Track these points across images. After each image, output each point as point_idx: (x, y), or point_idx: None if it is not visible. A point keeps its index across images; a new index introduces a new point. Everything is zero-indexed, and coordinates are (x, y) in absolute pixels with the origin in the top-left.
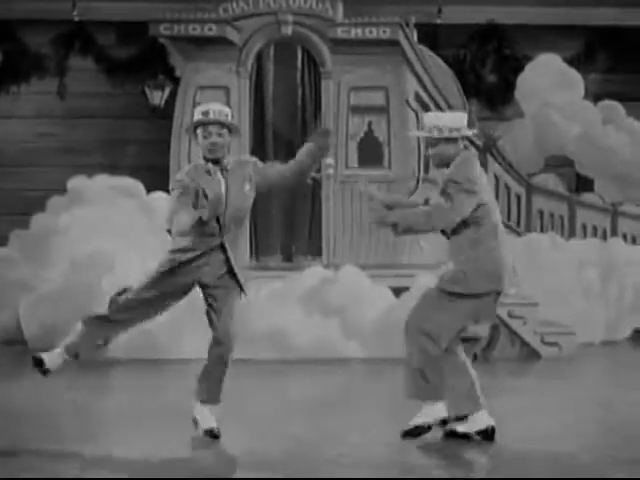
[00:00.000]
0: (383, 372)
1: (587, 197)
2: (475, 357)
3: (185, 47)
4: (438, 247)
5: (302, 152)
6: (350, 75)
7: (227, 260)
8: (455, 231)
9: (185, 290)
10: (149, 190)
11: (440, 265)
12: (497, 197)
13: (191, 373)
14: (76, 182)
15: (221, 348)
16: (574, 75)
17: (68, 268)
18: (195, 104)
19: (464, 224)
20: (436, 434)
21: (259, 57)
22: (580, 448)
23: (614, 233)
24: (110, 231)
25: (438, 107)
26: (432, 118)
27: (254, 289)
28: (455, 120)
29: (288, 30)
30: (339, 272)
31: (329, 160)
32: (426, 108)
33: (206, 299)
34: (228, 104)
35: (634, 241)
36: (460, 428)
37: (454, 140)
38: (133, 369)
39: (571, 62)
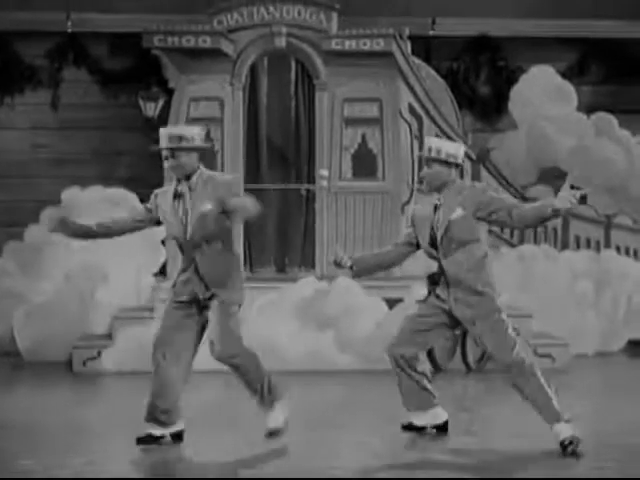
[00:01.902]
0: (376, 384)
1: (580, 209)
2: (469, 368)
3: (179, 59)
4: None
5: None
6: (344, 87)
7: (201, 278)
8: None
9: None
10: (143, 201)
11: None
12: None
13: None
14: (70, 193)
15: (232, 360)
16: (567, 87)
17: (62, 280)
18: (189, 116)
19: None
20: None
21: (253, 69)
22: (573, 459)
23: (607, 245)
24: (104, 243)
25: (432, 119)
26: (433, 141)
27: (248, 300)
28: (455, 147)
29: (282, 42)
30: (333, 283)
31: (323, 172)
32: (419, 120)
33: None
34: (222, 116)
35: (628, 253)
36: (417, 421)
37: (449, 165)
38: (126, 381)
39: (564, 74)
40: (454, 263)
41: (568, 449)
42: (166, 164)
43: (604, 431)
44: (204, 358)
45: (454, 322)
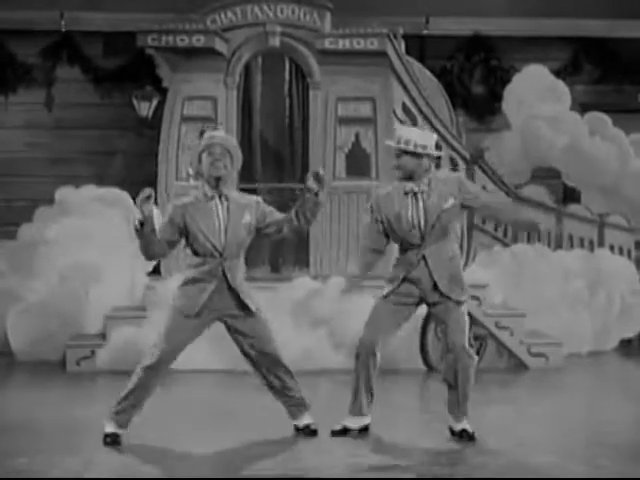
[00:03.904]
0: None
1: (574, 208)
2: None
3: (173, 58)
4: None
5: (296, 209)
6: (338, 86)
7: (228, 282)
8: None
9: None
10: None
11: None
12: None
13: (175, 385)
14: (64, 193)
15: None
16: (561, 86)
17: (55, 279)
18: (183, 115)
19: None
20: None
21: (247, 68)
22: (568, 458)
23: (601, 244)
24: (97, 242)
25: (426, 118)
26: (403, 130)
27: None
28: (424, 137)
29: (276, 41)
30: (327, 283)
31: (319, 170)
32: (413, 119)
33: (229, 330)
34: (216, 115)
35: (621, 252)
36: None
37: (418, 156)
38: (120, 381)
39: (558, 73)
40: (438, 251)
41: (464, 436)
42: (213, 157)
43: (598, 430)
44: (195, 358)
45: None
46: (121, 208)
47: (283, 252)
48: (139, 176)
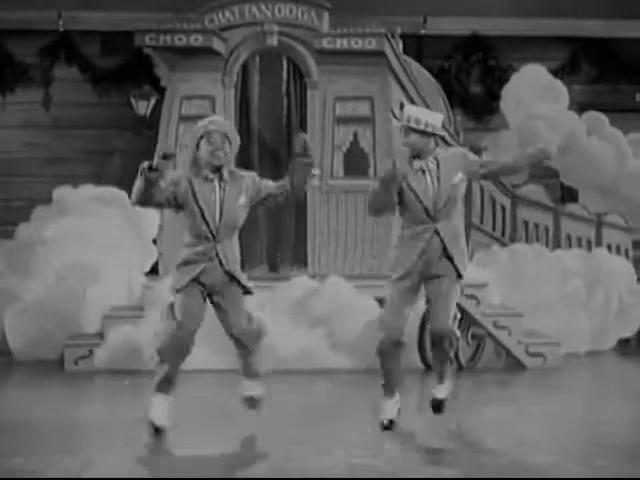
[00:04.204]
0: (368, 383)
1: (572, 208)
2: (461, 367)
3: (170, 57)
4: None
5: (289, 173)
6: (336, 85)
7: (222, 265)
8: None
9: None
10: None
11: None
12: (482, 208)
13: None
14: (61, 192)
15: (248, 344)
16: (559, 86)
17: (53, 278)
18: (181, 114)
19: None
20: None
21: (245, 67)
22: (566, 458)
23: (599, 244)
24: (95, 241)
25: None
26: (412, 110)
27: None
28: (432, 117)
29: (274, 40)
30: (325, 282)
31: (315, 170)
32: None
33: (213, 306)
34: (214, 114)
35: (619, 252)
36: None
37: (427, 134)
38: (118, 380)
39: (556, 73)
40: (448, 226)
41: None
42: (213, 146)
43: (596, 430)
44: (195, 357)
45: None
46: (119, 207)
47: (281, 251)
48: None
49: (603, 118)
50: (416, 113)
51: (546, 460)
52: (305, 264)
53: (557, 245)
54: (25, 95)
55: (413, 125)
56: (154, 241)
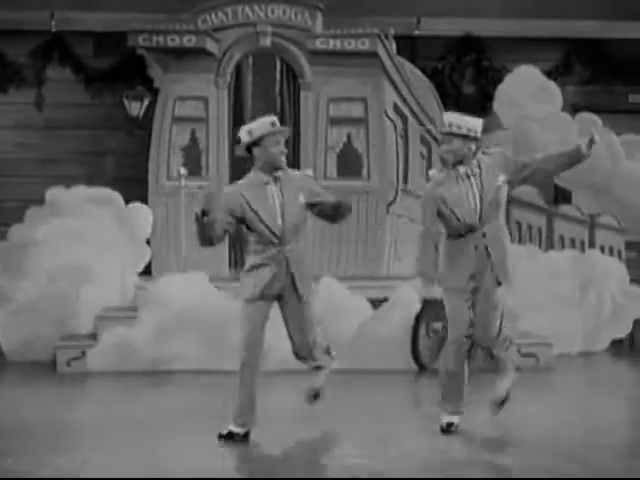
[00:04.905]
0: (361, 384)
1: (565, 209)
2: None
3: (164, 58)
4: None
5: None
6: (329, 86)
7: (288, 268)
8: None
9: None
10: (127, 201)
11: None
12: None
13: (169, 385)
14: (54, 193)
15: (305, 357)
16: (552, 87)
17: (45, 279)
18: (174, 115)
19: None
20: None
21: (238, 68)
22: (560, 458)
23: (592, 245)
24: (88, 242)
25: (417, 118)
26: (452, 116)
27: (233, 300)
28: (474, 122)
29: (267, 41)
30: (318, 284)
31: (308, 171)
32: (405, 119)
33: (280, 307)
34: (207, 115)
35: (612, 253)
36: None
37: (469, 139)
38: (111, 381)
39: (549, 74)
40: (493, 232)
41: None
42: (280, 147)
43: (589, 430)
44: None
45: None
46: (112, 208)
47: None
48: (130, 176)
49: (596, 119)
50: (457, 119)
51: (540, 460)
52: None
53: (550, 246)
54: (17, 96)
55: (455, 130)
56: (147, 241)
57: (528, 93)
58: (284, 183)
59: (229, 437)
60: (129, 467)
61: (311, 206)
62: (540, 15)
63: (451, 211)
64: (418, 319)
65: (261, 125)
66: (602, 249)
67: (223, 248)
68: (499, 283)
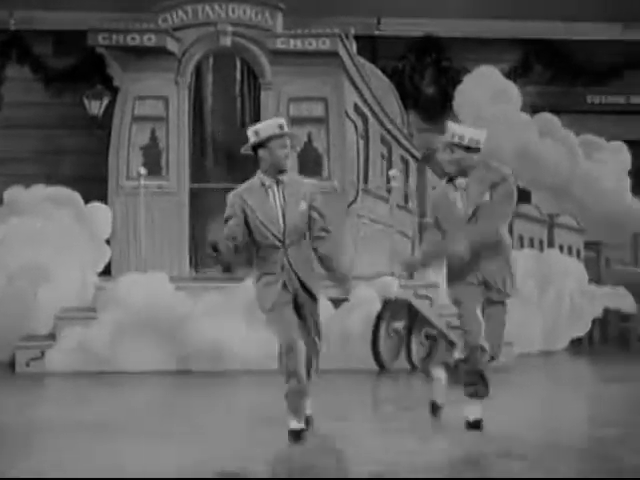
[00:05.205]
0: (322, 383)
1: (524, 209)
2: (414, 367)
3: (124, 57)
4: (375, 259)
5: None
6: (289, 86)
7: (294, 271)
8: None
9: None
10: (87, 200)
11: (379, 276)
12: None
13: (126, 384)
14: (13, 192)
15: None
16: (511, 87)
17: (4, 280)
18: (134, 114)
19: None
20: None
21: (198, 67)
22: (520, 458)
23: (551, 244)
24: (47, 242)
25: (377, 118)
26: (456, 127)
27: (194, 300)
28: (477, 133)
29: (227, 41)
30: None
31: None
32: (365, 119)
33: (296, 308)
34: (167, 114)
35: (570, 252)
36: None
37: (472, 150)
38: (70, 382)
39: (508, 74)
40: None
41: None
42: (286, 150)
43: (550, 429)
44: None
45: None
46: (71, 208)
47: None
48: (89, 175)
49: (555, 120)
50: (460, 129)
51: (501, 460)
52: None
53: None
54: None
55: (457, 141)
56: (107, 241)
57: (487, 93)
58: (287, 187)
59: (295, 435)
60: (89, 467)
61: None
62: (500, 16)
63: (446, 220)
64: (379, 319)
65: (268, 127)
66: (561, 249)
67: (184, 248)
68: (499, 294)
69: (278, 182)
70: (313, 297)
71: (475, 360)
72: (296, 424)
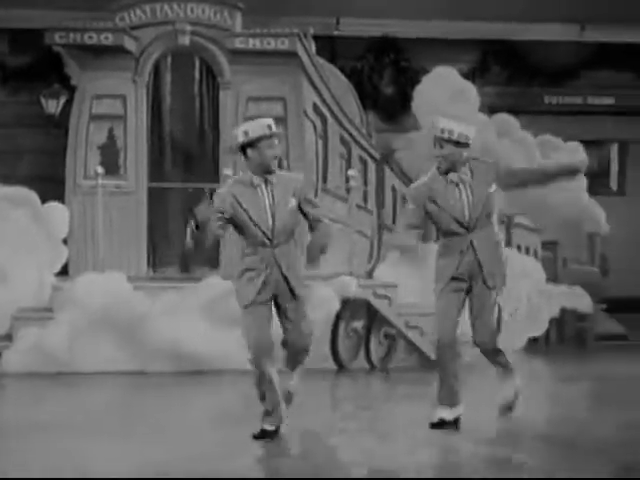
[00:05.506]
0: (280, 382)
1: None
2: (373, 366)
3: (81, 56)
4: (334, 258)
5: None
6: (248, 86)
7: (280, 270)
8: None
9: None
10: (44, 200)
11: (338, 276)
12: (394, 208)
13: (83, 385)
14: None
15: (299, 346)
16: (469, 88)
17: None
18: (91, 113)
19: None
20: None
21: (157, 67)
22: (478, 457)
23: (508, 244)
24: (4, 242)
25: (336, 118)
26: (445, 122)
27: (152, 300)
28: (466, 129)
29: (185, 40)
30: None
31: (227, 170)
32: (324, 119)
33: (276, 308)
34: (125, 113)
35: (527, 252)
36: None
37: (460, 145)
38: (27, 382)
39: (467, 75)
40: (484, 237)
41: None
42: (275, 151)
43: (509, 428)
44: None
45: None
46: (28, 208)
47: (193, 252)
48: (47, 175)
49: (513, 120)
50: (449, 124)
51: (459, 459)
52: (217, 265)
53: None
54: None
55: (446, 136)
56: (64, 241)
57: (445, 94)
58: (275, 186)
59: (262, 436)
60: (46, 468)
61: (303, 213)
62: (458, 17)
63: (436, 215)
64: (338, 318)
65: (258, 127)
66: (519, 248)
67: (142, 248)
68: (489, 287)
69: (267, 181)
70: (296, 296)
71: (443, 360)
72: (268, 425)
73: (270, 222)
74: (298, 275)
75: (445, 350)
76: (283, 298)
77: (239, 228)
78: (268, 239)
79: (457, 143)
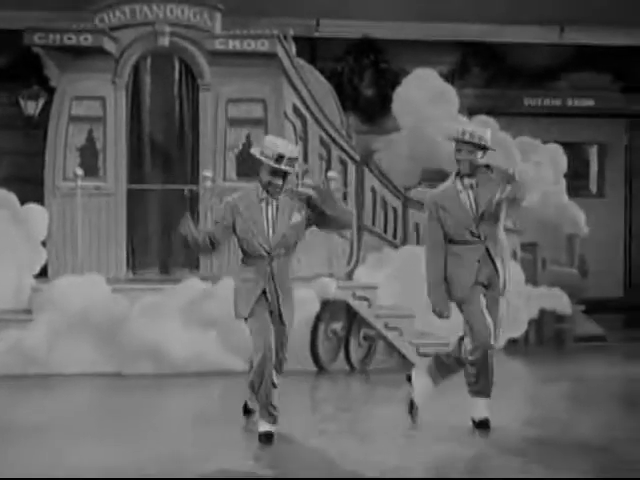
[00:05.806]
0: None
1: None
2: (353, 368)
3: (60, 57)
4: (314, 260)
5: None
6: (228, 87)
7: (274, 283)
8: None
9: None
10: (22, 201)
11: (317, 277)
12: (374, 210)
13: (63, 387)
14: None
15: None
16: (449, 90)
17: None
18: (70, 114)
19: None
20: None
21: (136, 68)
22: (458, 459)
23: None
24: None
25: (316, 120)
26: (464, 125)
27: (131, 302)
28: (483, 131)
29: (165, 41)
30: (217, 285)
31: (207, 172)
32: (304, 121)
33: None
34: (104, 115)
35: None
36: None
37: (480, 148)
38: (4, 385)
39: (447, 77)
40: (492, 242)
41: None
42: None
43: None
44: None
45: None
46: (7, 209)
47: (172, 253)
48: (25, 176)
49: (492, 122)
50: (469, 128)
51: (441, 458)
52: (197, 266)
53: None
54: None
55: (467, 138)
56: (43, 243)
57: (425, 95)
58: (281, 201)
59: (266, 437)
60: (28, 470)
61: (315, 214)
62: (438, 19)
63: (452, 221)
64: (317, 320)
65: (271, 152)
66: None
67: (121, 250)
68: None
69: (272, 195)
70: (283, 322)
71: (484, 359)
72: (265, 427)
73: (270, 235)
74: (292, 305)
75: (489, 353)
76: (273, 319)
77: (239, 239)
78: (266, 252)
79: (476, 146)
